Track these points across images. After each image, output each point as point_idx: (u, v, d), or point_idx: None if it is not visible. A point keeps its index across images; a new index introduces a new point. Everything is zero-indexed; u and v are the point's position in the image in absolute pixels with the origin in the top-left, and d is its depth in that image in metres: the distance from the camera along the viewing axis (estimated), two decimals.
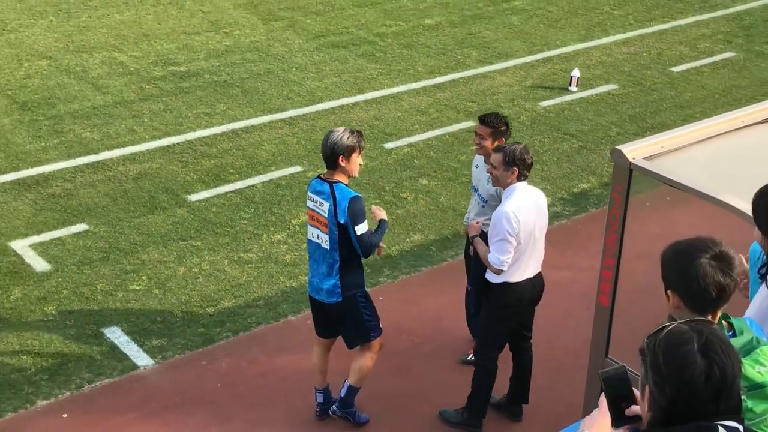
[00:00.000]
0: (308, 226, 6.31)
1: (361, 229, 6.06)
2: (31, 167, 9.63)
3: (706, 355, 2.65)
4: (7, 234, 8.57)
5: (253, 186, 9.53)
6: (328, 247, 6.16)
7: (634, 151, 5.27)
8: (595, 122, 11.14)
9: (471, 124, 10.87)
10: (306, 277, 8.11)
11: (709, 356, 2.65)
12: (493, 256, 6.22)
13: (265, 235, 8.76)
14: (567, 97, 11.69)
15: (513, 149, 6.27)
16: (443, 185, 9.66)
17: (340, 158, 6.04)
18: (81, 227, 8.72)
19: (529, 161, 6.26)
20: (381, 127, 10.73)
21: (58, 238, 8.55)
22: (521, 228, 6.18)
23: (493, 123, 6.70)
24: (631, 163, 5.20)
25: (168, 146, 10.17)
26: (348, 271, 6.25)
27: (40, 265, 8.19)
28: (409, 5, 14.34)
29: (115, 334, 7.45)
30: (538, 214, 6.33)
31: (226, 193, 9.40)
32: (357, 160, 6.15)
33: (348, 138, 6.05)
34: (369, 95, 11.51)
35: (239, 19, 13.56)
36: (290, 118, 10.92)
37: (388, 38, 13.15)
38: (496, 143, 6.74)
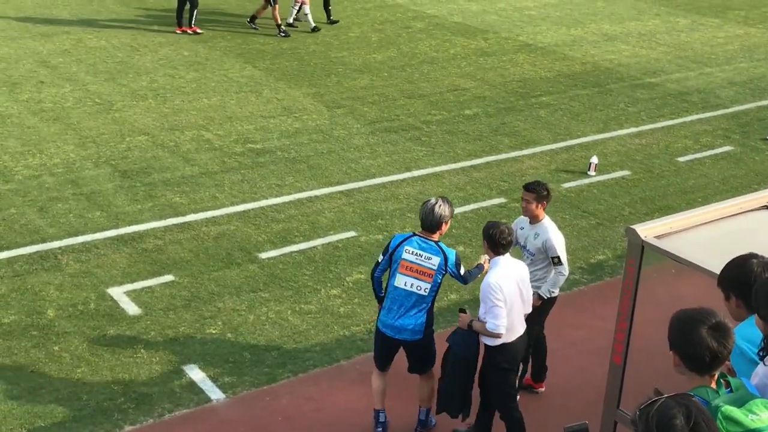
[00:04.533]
0: (398, 275, 6.47)
1: (463, 269, 6.58)
2: (128, 226, 9.78)
3: (692, 428, 2.68)
4: (106, 282, 8.69)
5: (314, 247, 9.58)
6: (425, 294, 6.45)
7: (646, 230, 5.25)
8: (610, 203, 11.09)
9: (502, 200, 10.89)
10: (357, 328, 8.16)
11: (695, 429, 2.67)
12: (491, 323, 6.24)
13: (323, 290, 8.78)
14: (586, 180, 11.66)
15: (487, 228, 6.37)
16: (477, 251, 9.62)
17: (443, 224, 6.51)
18: (168, 278, 8.81)
19: (499, 239, 6.27)
20: (421, 198, 10.74)
21: (149, 287, 8.65)
22: (505, 294, 6.20)
23: (536, 189, 7.00)
24: (643, 240, 5.18)
25: (244, 211, 10.28)
26: (430, 313, 6.60)
27: (132, 309, 8.28)
28: (451, 98, 14.47)
29: (193, 371, 7.48)
30: (520, 282, 6.37)
31: (291, 252, 9.45)
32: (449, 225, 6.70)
33: (449, 209, 6.54)
34: (415, 173, 11.57)
35: (308, 106, 13.77)
36: (348, 190, 11.01)
37: (432, 125, 13.26)
38: (539, 206, 6.92)
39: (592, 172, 11.77)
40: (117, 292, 8.51)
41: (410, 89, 14.79)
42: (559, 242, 6.97)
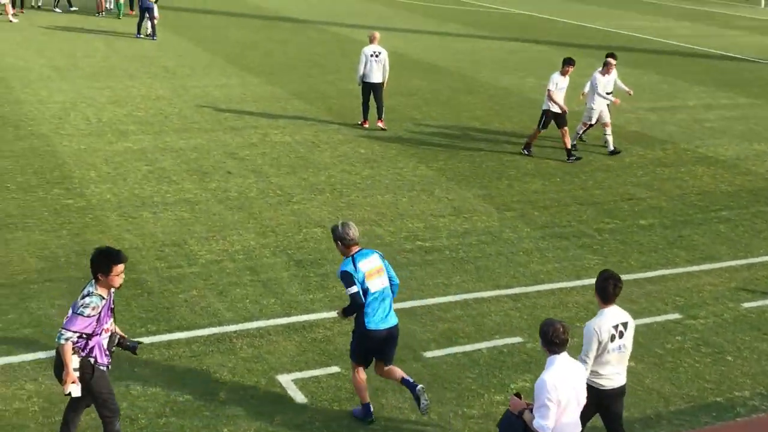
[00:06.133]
0: (370, 283, 7.74)
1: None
2: (300, 314, 10.07)
3: None
4: (276, 368, 8.93)
5: (479, 350, 9.50)
6: (388, 285, 7.94)
7: None
8: None
9: (677, 315, 10.46)
10: None
11: None
12: (537, 422, 6.23)
13: (486, 395, 8.65)
14: None
15: (542, 325, 6.44)
16: (649, 368, 9.26)
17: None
18: (335, 369, 8.95)
19: (553, 337, 6.34)
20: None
21: (316, 377, 8.81)
22: (560, 395, 6.21)
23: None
24: None
25: (410, 308, 10.36)
26: None
27: (299, 397, 8.44)
28: (625, 207, 14.21)
29: None
30: (576, 384, 6.38)
31: (456, 353, 9.41)
32: None
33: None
34: (585, 281, 11.33)
35: (477, 207, 13.87)
36: (515, 294, 10.92)
37: (605, 233, 13.03)
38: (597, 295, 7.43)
39: None
40: (285, 380, 8.72)
41: (583, 196, 14.65)
42: (592, 333, 7.05)
